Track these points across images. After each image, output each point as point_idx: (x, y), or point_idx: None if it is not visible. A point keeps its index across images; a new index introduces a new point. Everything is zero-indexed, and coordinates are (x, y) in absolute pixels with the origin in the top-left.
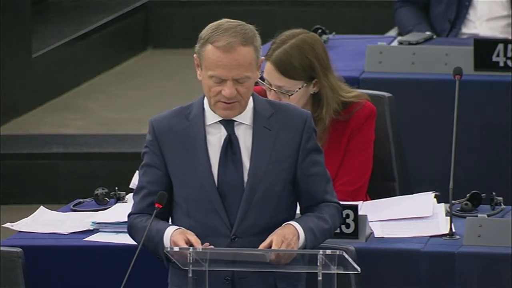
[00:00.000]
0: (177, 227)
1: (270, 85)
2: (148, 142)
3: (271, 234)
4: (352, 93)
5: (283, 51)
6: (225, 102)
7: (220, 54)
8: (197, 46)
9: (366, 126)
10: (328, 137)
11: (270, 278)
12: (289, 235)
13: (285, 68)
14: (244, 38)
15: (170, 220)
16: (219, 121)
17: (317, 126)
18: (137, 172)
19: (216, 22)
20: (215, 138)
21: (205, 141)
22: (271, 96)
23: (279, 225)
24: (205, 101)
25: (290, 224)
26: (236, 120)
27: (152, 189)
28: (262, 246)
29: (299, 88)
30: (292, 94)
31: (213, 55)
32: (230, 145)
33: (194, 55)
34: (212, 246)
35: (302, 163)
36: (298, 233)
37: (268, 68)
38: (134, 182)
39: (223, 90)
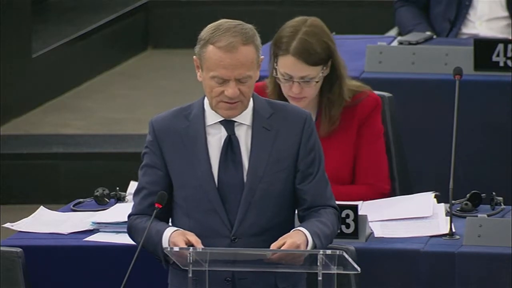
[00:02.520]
0: (176, 228)
1: (291, 77)
2: (148, 142)
3: (283, 237)
4: (353, 82)
5: (302, 41)
6: (228, 102)
7: (222, 54)
8: (197, 48)
9: (374, 117)
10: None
11: (270, 278)
12: (301, 242)
13: (309, 56)
14: (245, 37)
15: (170, 221)
16: (219, 121)
17: (334, 107)
18: (131, 183)
19: (215, 23)
20: (215, 139)
21: (205, 142)
22: (293, 88)
23: (279, 225)
24: (206, 101)
25: (300, 230)
26: (236, 120)
27: (152, 189)
28: (274, 245)
29: (322, 73)
30: (318, 81)
31: (215, 55)
32: (230, 146)
33: (194, 56)
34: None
35: (301, 163)
36: (307, 239)
37: (289, 61)
38: (130, 191)
39: (226, 91)
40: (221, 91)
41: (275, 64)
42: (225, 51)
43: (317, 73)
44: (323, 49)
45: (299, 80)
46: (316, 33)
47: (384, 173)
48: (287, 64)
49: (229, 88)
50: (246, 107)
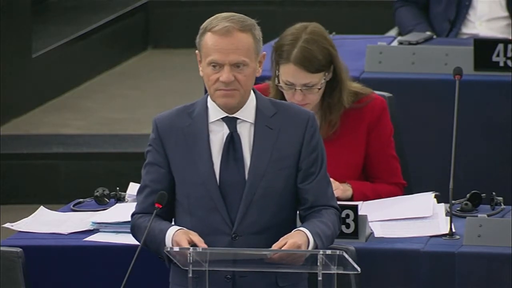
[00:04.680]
0: (179, 227)
1: (293, 85)
2: (151, 140)
3: (284, 237)
4: (355, 85)
5: (303, 49)
6: (223, 89)
7: (218, 38)
8: (197, 39)
9: (384, 119)
10: (343, 125)
11: (271, 277)
12: (302, 242)
13: (310, 63)
14: (242, 24)
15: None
16: (221, 118)
17: (333, 111)
18: (131, 184)
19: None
20: (218, 136)
21: (208, 139)
22: (296, 96)
23: (280, 223)
24: (209, 99)
25: (301, 230)
26: (238, 117)
27: (155, 187)
28: (275, 246)
29: (324, 79)
30: (320, 88)
31: (211, 40)
32: (232, 143)
33: (196, 51)
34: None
35: (303, 162)
36: (308, 239)
37: (291, 70)
38: (130, 193)
39: (221, 76)
40: (217, 78)
41: (276, 72)
42: (220, 35)
43: (319, 79)
44: (324, 56)
45: (301, 88)
46: (317, 40)
47: (399, 169)
48: (289, 72)
49: (224, 73)
50: (243, 98)
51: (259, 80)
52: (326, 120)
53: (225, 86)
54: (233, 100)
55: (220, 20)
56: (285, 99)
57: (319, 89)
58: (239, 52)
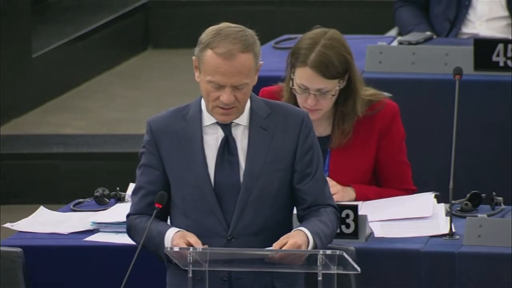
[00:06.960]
0: (178, 229)
1: (307, 89)
2: (145, 142)
3: (284, 237)
4: (369, 91)
5: (320, 54)
6: (223, 108)
7: (220, 61)
8: (196, 50)
9: (395, 124)
10: (354, 132)
11: (267, 278)
12: (302, 242)
13: (327, 69)
14: (244, 45)
15: (168, 220)
16: (216, 122)
17: (347, 120)
18: (131, 184)
19: (216, 27)
20: (212, 139)
21: (202, 142)
22: (309, 100)
23: (276, 225)
24: (203, 102)
25: (301, 230)
26: (233, 121)
27: (150, 189)
28: (276, 245)
29: (338, 86)
30: (334, 94)
31: (213, 61)
32: (227, 146)
33: (193, 57)
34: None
35: (298, 163)
36: (308, 239)
37: (306, 73)
38: (129, 193)
39: (222, 96)
40: (217, 96)
41: (292, 75)
42: (223, 58)
43: (334, 86)
44: (340, 63)
45: (315, 92)
46: (335, 46)
47: (410, 175)
48: (304, 76)
49: (225, 94)
50: (241, 112)
51: (271, 81)
52: (339, 129)
53: (224, 106)
54: (231, 117)
55: (223, 39)
56: (297, 104)
57: (333, 95)
58: (241, 75)
